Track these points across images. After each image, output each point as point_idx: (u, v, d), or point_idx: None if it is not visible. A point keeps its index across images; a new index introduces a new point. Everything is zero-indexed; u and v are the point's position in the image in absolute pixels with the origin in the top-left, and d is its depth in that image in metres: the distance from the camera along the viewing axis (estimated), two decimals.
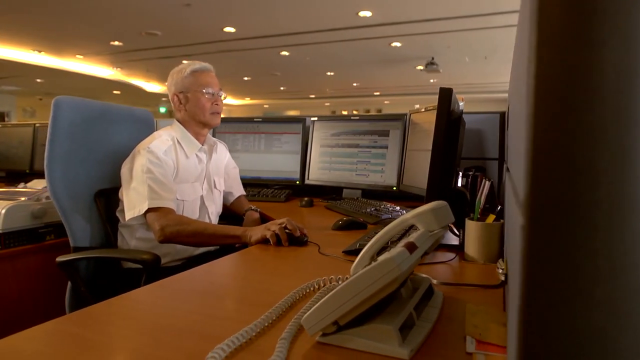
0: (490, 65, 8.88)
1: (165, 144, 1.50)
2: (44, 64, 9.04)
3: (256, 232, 1.26)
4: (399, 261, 0.55)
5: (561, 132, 0.24)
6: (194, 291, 0.89)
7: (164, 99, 14.21)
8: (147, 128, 1.81)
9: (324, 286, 0.83)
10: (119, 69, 10.12)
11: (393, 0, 5.42)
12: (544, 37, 0.25)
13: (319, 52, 8.18)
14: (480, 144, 1.97)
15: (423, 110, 1.68)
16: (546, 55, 0.25)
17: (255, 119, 2.45)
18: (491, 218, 1.04)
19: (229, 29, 6.77)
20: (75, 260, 1.40)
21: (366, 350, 0.59)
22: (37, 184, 2.34)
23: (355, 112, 14.34)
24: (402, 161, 1.93)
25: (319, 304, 0.59)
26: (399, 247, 0.61)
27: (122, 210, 1.45)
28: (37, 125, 3.02)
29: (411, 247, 0.61)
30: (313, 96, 14.91)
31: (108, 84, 11.48)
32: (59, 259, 1.37)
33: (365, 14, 5.92)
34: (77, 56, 8.82)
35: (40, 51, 8.30)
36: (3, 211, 1.77)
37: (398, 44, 7.56)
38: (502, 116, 1.93)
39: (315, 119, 2.31)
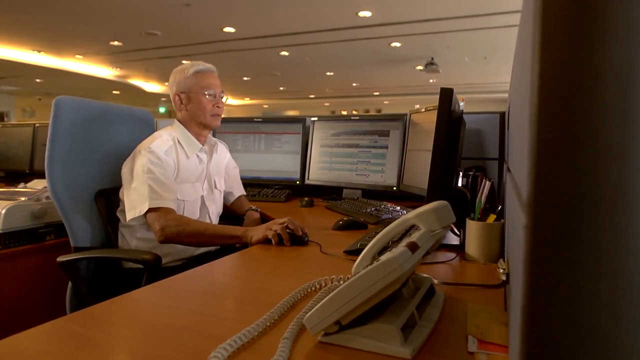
0: (490, 65, 8.88)
1: (166, 144, 1.50)
2: (43, 64, 9.03)
3: (257, 232, 1.26)
4: (402, 261, 0.55)
5: (564, 132, 0.24)
6: (195, 291, 0.89)
7: (163, 99, 14.21)
8: (148, 128, 1.82)
9: (325, 286, 0.83)
10: (118, 69, 10.12)
11: (393, 1, 5.42)
12: (547, 37, 0.25)
13: (319, 52, 8.18)
14: (480, 144, 1.97)
15: (423, 110, 1.68)
16: (550, 55, 0.25)
17: (255, 119, 2.45)
18: (492, 218, 1.04)
19: (228, 29, 6.76)
20: (76, 260, 1.40)
21: (368, 350, 0.59)
22: (37, 184, 2.34)
23: (355, 112, 14.33)
24: (402, 161, 1.93)
25: (321, 303, 0.59)
26: (401, 246, 0.61)
27: (123, 211, 1.45)
28: (37, 125, 3.02)
29: (413, 246, 0.61)
30: (313, 96, 14.90)
31: (107, 84, 11.47)
32: (60, 259, 1.37)
33: (365, 14, 5.92)
34: (77, 56, 8.82)
35: (39, 51, 8.29)
36: (3, 211, 1.77)
37: (398, 44, 7.56)
38: (502, 116, 1.93)
39: (316, 119, 2.31)
